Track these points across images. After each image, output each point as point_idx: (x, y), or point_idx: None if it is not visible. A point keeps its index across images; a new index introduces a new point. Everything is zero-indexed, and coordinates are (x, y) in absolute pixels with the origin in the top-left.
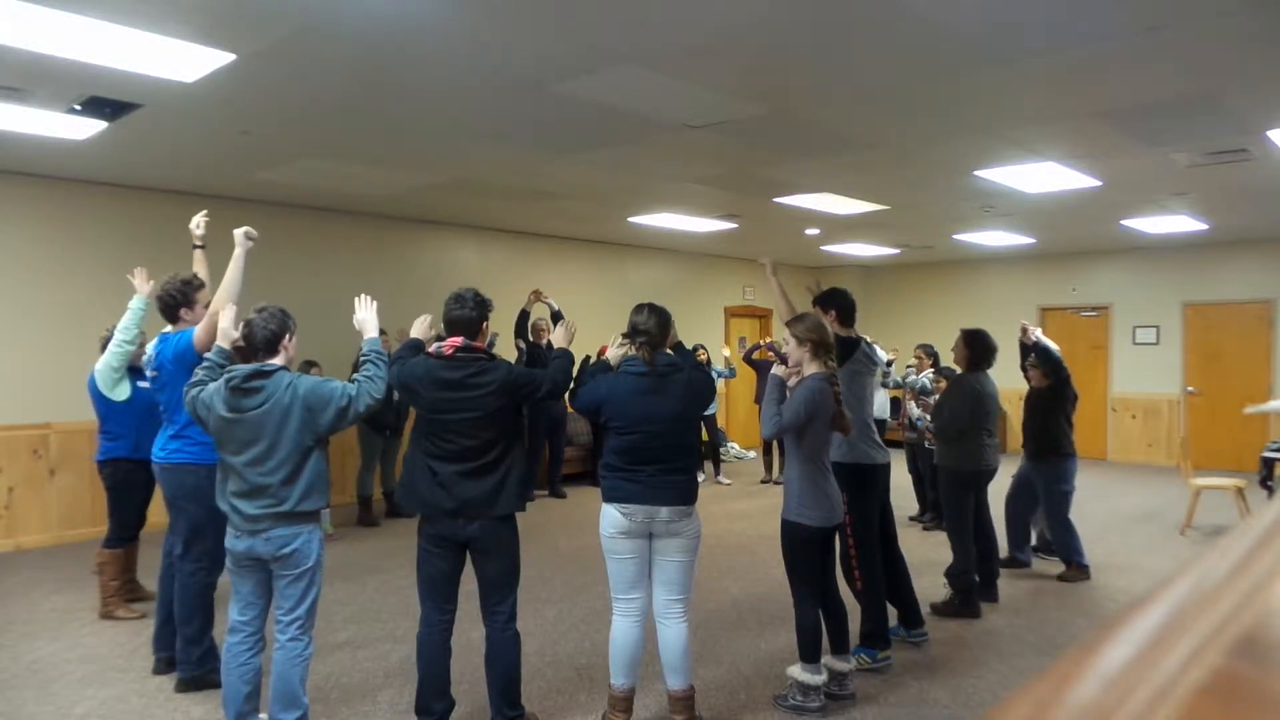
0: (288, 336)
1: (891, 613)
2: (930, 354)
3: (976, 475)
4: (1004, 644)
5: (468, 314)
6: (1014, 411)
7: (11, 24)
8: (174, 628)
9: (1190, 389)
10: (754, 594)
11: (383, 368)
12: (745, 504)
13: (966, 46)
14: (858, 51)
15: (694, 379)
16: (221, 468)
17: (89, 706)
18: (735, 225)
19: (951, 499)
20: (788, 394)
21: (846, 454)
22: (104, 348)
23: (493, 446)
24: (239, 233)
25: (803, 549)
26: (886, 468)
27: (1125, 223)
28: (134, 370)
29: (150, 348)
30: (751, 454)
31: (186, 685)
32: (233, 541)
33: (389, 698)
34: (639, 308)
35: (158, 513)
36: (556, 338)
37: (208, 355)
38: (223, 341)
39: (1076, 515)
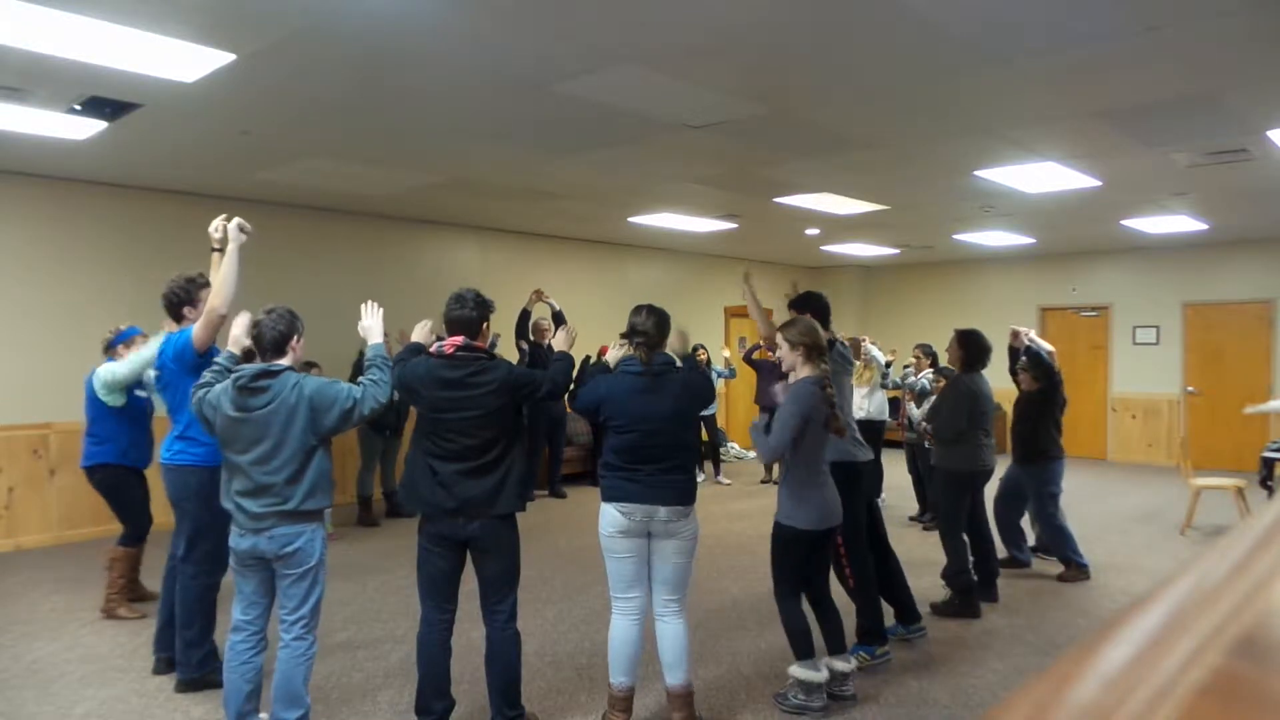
0: (295, 338)
1: (888, 610)
2: (929, 354)
3: (974, 476)
4: (1004, 644)
5: (467, 314)
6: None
7: (11, 24)
8: (175, 629)
9: (1190, 389)
10: (754, 594)
11: (387, 372)
12: (745, 504)
13: (966, 46)
14: (858, 51)
15: (691, 379)
16: (227, 467)
17: (89, 706)
18: (735, 225)
19: (948, 500)
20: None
21: (829, 453)
22: (106, 349)
23: (493, 446)
24: (232, 226)
25: (787, 550)
26: (870, 465)
27: (1125, 223)
28: None
29: (154, 346)
30: (751, 454)
31: (186, 686)
32: (236, 540)
33: (389, 698)
34: (638, 309)
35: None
36: (558, 341)
37: (217, 359)
38: (234, 347)
39: (1076, 516)
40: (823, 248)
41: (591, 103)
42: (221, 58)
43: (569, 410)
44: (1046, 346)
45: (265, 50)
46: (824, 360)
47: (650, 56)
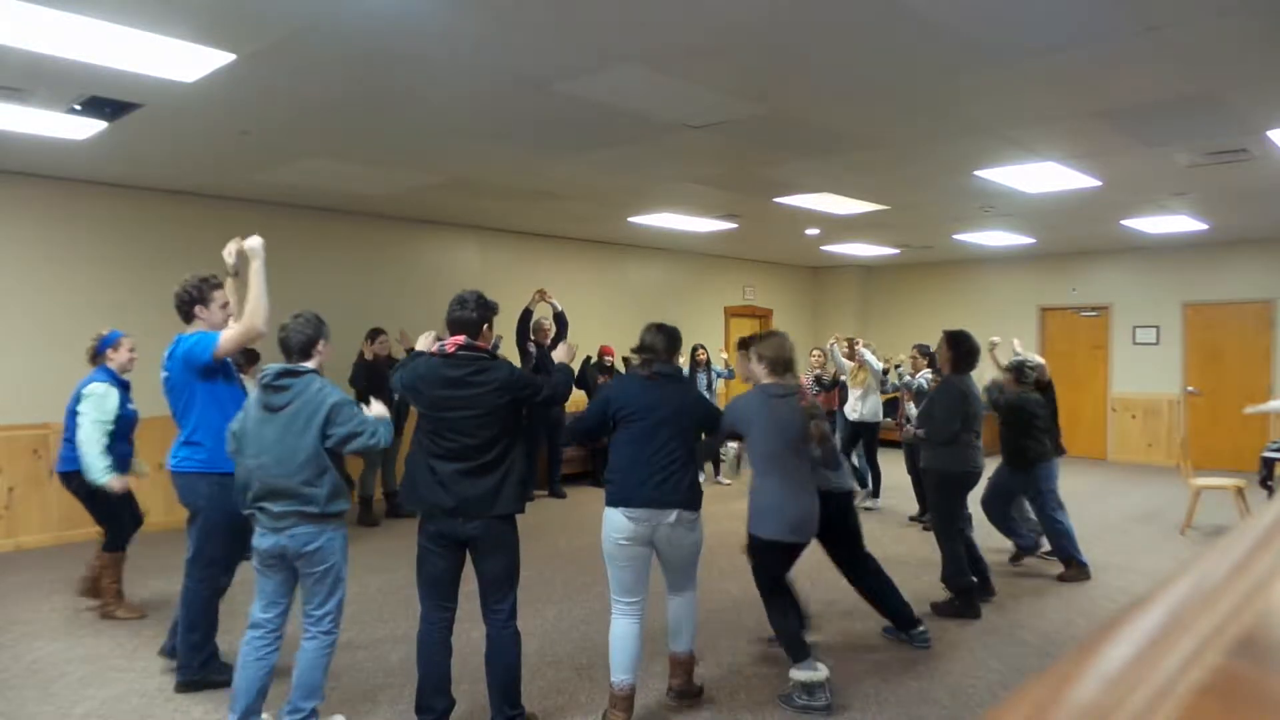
0: (321, 342)
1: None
2: (925, 354)
3: (965, 477)
4: (1004, 644)
5: (468, 315)
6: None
7: (11, 24)
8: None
9: (1190, 389)
10: (754, 594)
11: (390, 426)
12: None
13: (966, 46)
14: (858, 51)
15: (698, 395)
16: (245, 469)
17: (89, 706)
18: (735, 225)
19: (942, 502)
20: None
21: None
22: (92, 358)
23: (493, 445)
24: (248, 244)
25: (758, 556)
26: (836, 494)
27: (1125, 223)
28: (123, 386)
29: (165, 350)
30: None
31: (186, 687)
32: (259, 539)
33: (389, 698)
34: (649, 326)
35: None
36: (558, 354)
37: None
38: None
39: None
40: (823, 248)
41: (592, 103)
42: (221, 58)
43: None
44: (1034, 359)
45: (265, 50)
46: (791, 374)
47: (650, 56)
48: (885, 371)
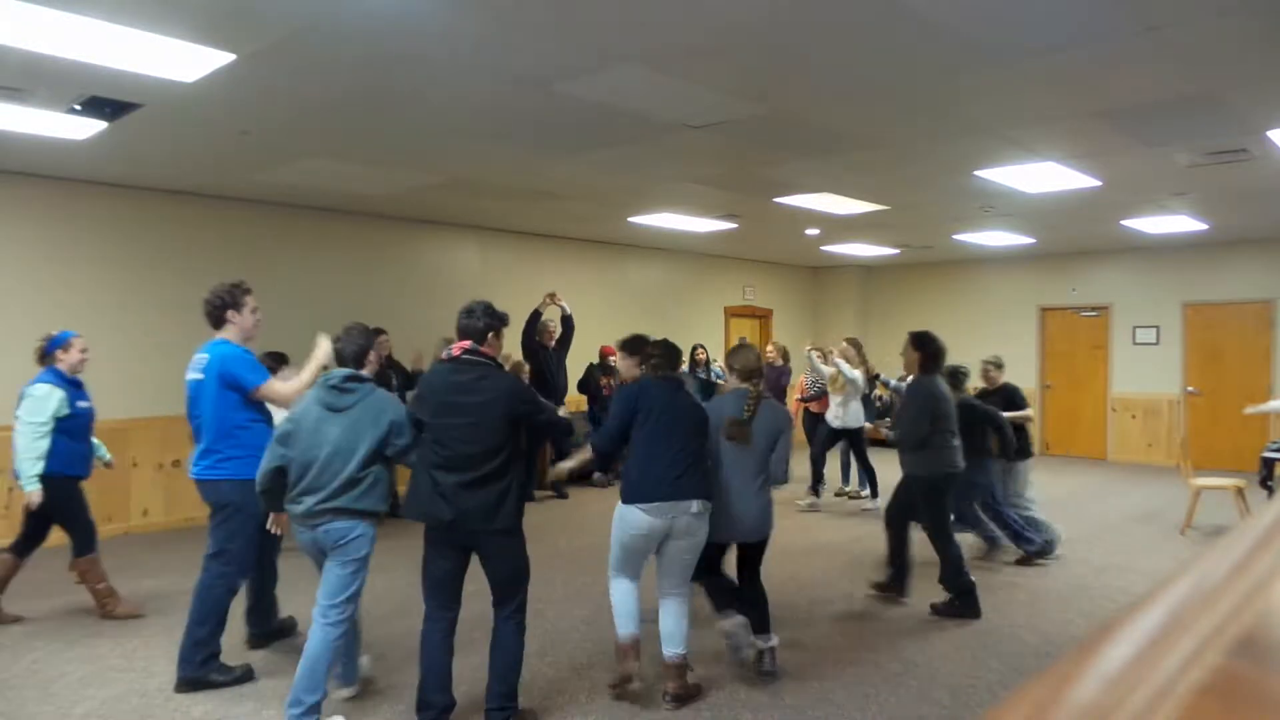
0: (372, 352)
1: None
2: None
3: (948, 479)
4: (1004, 644)
5: (474, 323)
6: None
7: (11, 24)
8: (264, 607)
9: (1190, 389)
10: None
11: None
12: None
13: (966, 46)
14: (858, 51)
15: (690, 395)
16: (298, 463)
17: (89, 706)
18: (735, 225)
19: (927, 505)
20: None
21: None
22: (40, 359)
23: (493, 457)
24: (323, 350)
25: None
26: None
27: (1125, 223)
28: (74, 385)
29: (199, 353)
30: None
31: (185, 685)
32: (298, 534)
33: (389, 697)
34: (657, 342)
35: (157, 514)
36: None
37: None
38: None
39: (1076, 516)
40: (823, 248)
41: (592, 103)
42: (221, 58)
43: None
44: (964, 366)
45: (265, 50)
46: (755, 382)
47: (650, 56)
48: (873, 378)
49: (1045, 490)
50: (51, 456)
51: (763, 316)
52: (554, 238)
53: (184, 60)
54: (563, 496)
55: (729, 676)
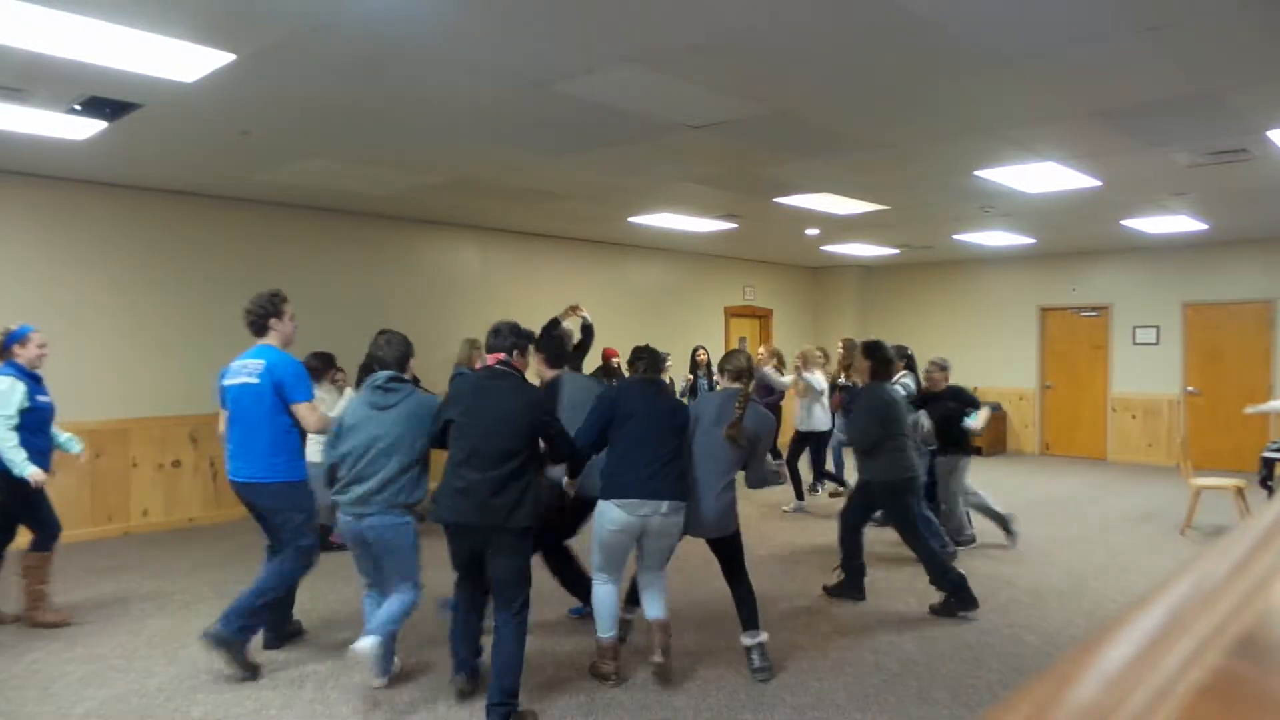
0: (411, 359)
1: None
2: (903, 355)
3: (907, 482)
4: (1004, 644)
5: (502, 342)
6: (1015, 410)
7: (11, 24)
8: (284, 608)
9: (1190, 389)
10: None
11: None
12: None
13: (966, 46)
14: (857, 51)
15: (674, 396)
16: (347, 459)
17: (89, 706)
18: (735, 225)
19: (891, 510)
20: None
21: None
22: None
23: (513, 458)
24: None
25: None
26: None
27: (1125, 223)
28: (33, 379)
29: (246, 359)
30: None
31: (214, 640)
32: (346, 524)
33: (389, 697)
34: (638, 348)
35: (156, 514)
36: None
37: None
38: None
39: (1076, 516)
40: (823, 248)
41: (591, 103)
42: (221, 58)
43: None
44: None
45: (265, 50)
46: (743, 382)
47: (650, 56)
48: (835, 386)
49: (1045, 490)
50: None
51: (763, 316)
52: (554, 238)
53: (184, 60)
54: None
55: (730, 677)
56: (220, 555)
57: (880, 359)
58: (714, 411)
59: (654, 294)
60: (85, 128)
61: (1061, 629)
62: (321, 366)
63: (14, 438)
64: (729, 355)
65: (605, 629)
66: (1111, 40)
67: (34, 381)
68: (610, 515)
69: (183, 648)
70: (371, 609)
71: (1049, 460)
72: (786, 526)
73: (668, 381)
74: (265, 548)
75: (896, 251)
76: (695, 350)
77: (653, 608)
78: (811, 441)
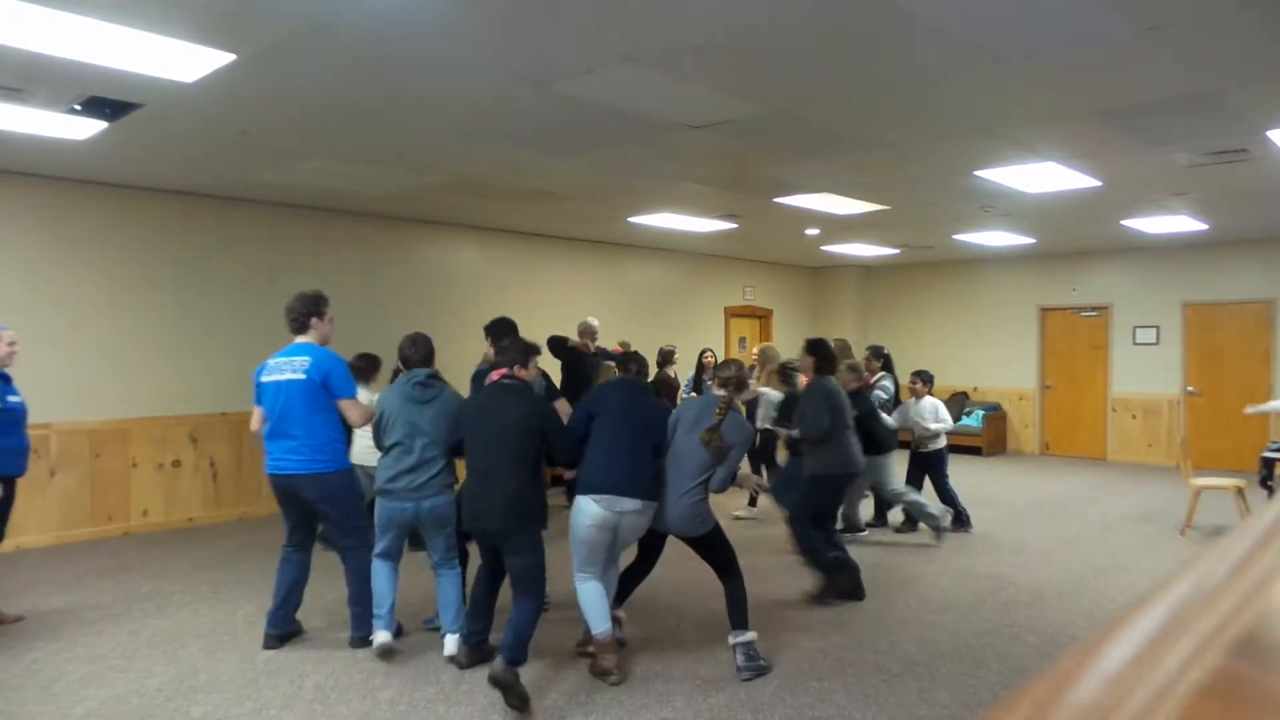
0: (433, 356)
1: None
2: (879, 356)
3: (849, 477)
4: (1004, 644)
5: (507, 359)
6: (1015, 410)
7: (11, 24)
8: (287, 610)
9: (1190, 389)
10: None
11: None
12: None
13: (966, 46)
14: (857, 51)
15: (654, 399)
16: (396, 449)
17: (89, 706)
18: (735, 225)
19: (819, 499)
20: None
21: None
22: None
23: (520, 468)
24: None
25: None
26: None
27: (1125, 223)
28: (2, 379)
29: (288, 355)
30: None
31: (361, 642)
32: (398, 508)
33: (389, 697)
34: (628, 354)
35: (156, 514)
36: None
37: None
38: None
39: (1076, 515)
40: (823, 248)
41: (591, 103)
42: (221, 58)
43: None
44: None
45: (265, 50)
46: (734, 390)
47: (650, 56)
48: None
49: (1045, 490)
50: None
51: (763, 316)
52: (554, 238)
53: (184, 60)
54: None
55: (730, 677)
56: (220, 555)
57: (823, 355)
58: (694, 415)
59: (654, 294)
60: (85, 128)
61: (1061, 629)
62: (367, 367)
63: None
64: (721, 364)
65: (599, 624)
66: (1111, 40)
67: (3, 381)
68: (587, 510)
69: (183, 648)
70: (387, 578)
71: (1049, 460)
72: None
73: (673, 375)
74: (284, 550)
75: (896, 251)
76: (703, 353)
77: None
78: (767, 442)
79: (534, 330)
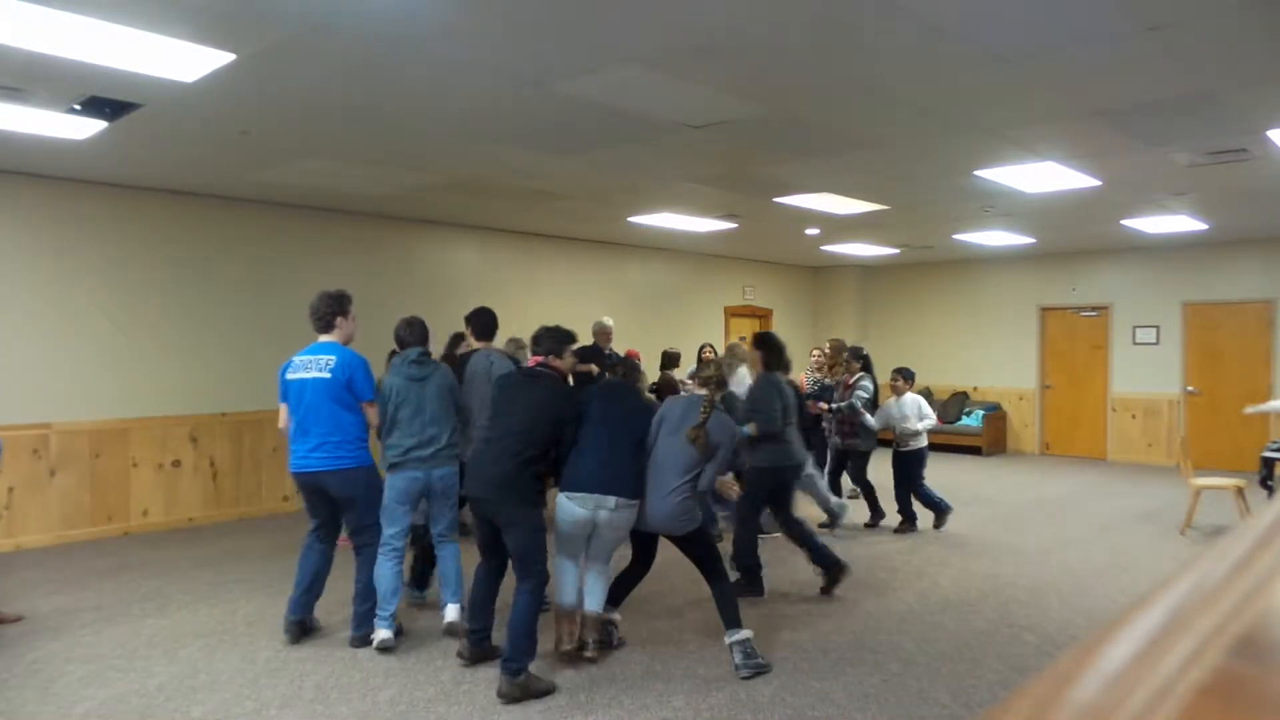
0: (431, 337)
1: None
2: (858, 357)
3: (796, 469)
4: (1004, 644)
5: (541, 347)
6: (1015, 410)
7: (11, 24)
8: (309, 598)
9: (1190, 389)
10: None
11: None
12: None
13: (966, 46)
14: (857, 51)
15: (641, 401)
16: (406, 425)
17: (89, 706)
18: (735, 225)
19: (761, 495)
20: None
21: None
22: None
23: (528, 445)
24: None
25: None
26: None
27: (1125, 223)
28: None
29: (315, 354)
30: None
31: (361, 642)
32: (411, 479)
33: (389, 697)
34: (620, 359)
35: (156, 513)
36: None
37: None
38: None
39: (1076, 515)
40: (823, 248)
41: (591, 103)
42: (221, 58)
43: None
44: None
45: (265, 50)
46: (717, 390)
47: (650, 56)
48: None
49: (1045, 490)
50: None
51: (763, 316)
52: (554, 238)
53: (184, 60)
54: None
55: (730, 677)
56: (220, 555)
57: (769, 349)
58: (679, 415)
59: (654, 294)
60: (85, 128)
61: (1061, 629)
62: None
63: None
64: (701, 365)
65: (564, 595)
66: (1111, 40)
67: None
68: (564, 506)
69: (183, 648)
70: (394, 568)
71: (1049, 460)
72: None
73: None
74: (309, 539)
75: (896, 251)
76: (702, 348)
77: (590, 600)
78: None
79: (532, 331)
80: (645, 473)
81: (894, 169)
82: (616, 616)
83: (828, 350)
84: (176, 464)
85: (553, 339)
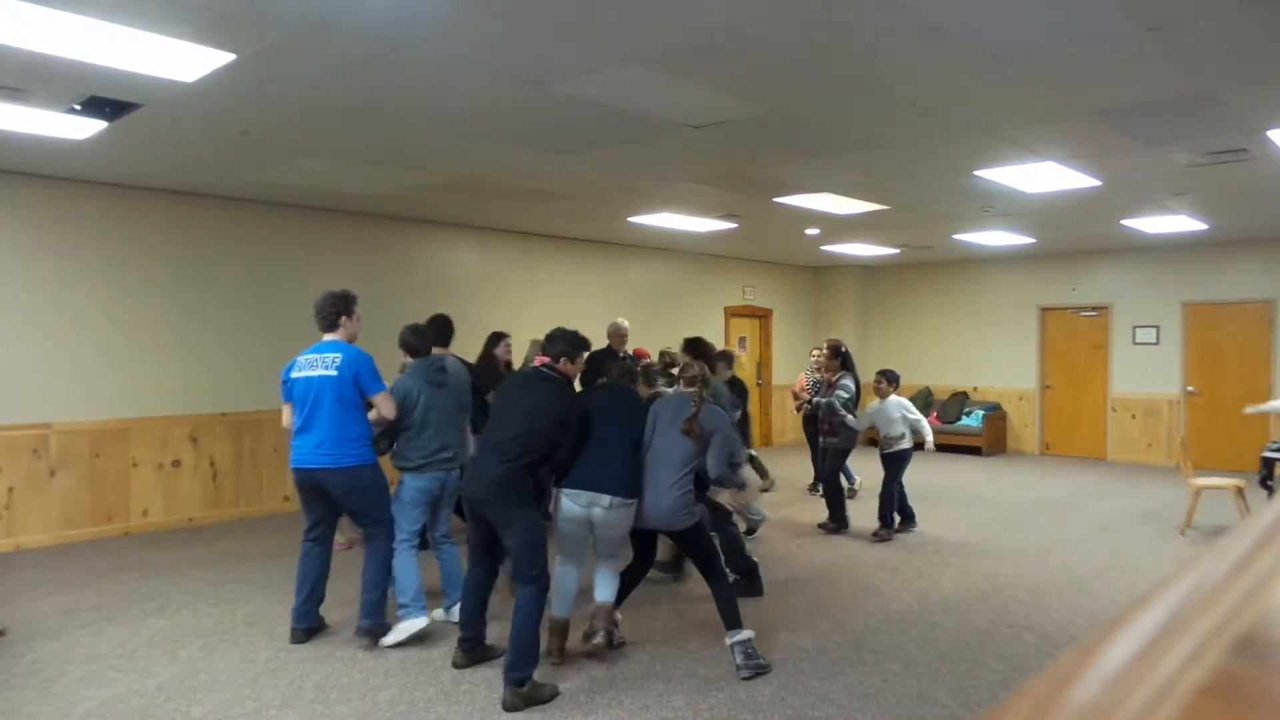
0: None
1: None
2: (837, 354)
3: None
4: (1004, 644)
5: (552, 349)
6: (1015, 410)
7: (11, 24)
8: (311, 604)
9: (1190, 389)
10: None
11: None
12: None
13: (966, 46)
14: (857, 51)
15: (638, 401)
16: (427, 433)
17: (89, 706)
18: (735, 225)
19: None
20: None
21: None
22: None
23: (529, 447)
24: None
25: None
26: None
27: (1125, 223)
28: None
29: (319, 352)
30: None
31: (366, 633)
32: (427, 482)
33: (389, 697)
34: (615, 362)
35: (156, 513)
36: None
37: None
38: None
39: (1076, 515)
40: (823, 248)
41: (591, 103)
42: (221, 58)
43: None
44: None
45: (265, 50)
46: (703, 388)
47: (650, 56)
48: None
49: (1045, 490)
50: None
51: (763, 316)
52: (554, 238)
53: (184, 60)
54: None
55: (730, 677)
56: (220, 555)
57: (701, 354)
58: (671, 412)
59: (654, 294)
60: (85, 128)
61: (1061, 629)
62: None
63: None
64: (684, 366)
65: (558, 609)
66: (1111, 40)
67: None
68: (562, 503)
69: (183, 648)
70: (412, 564)
71: (1049, 460)
72: (785, 531)
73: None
74: (305, 545)
75: (896, 251)
76: (661, 354)
77: (600, 591)
78: None
79: (532, 330)
80: (642, 471)
81: (894, 169)
82: (617, 616)
83: (826, 350)
84: (176, 464)
85: (567, 342)
